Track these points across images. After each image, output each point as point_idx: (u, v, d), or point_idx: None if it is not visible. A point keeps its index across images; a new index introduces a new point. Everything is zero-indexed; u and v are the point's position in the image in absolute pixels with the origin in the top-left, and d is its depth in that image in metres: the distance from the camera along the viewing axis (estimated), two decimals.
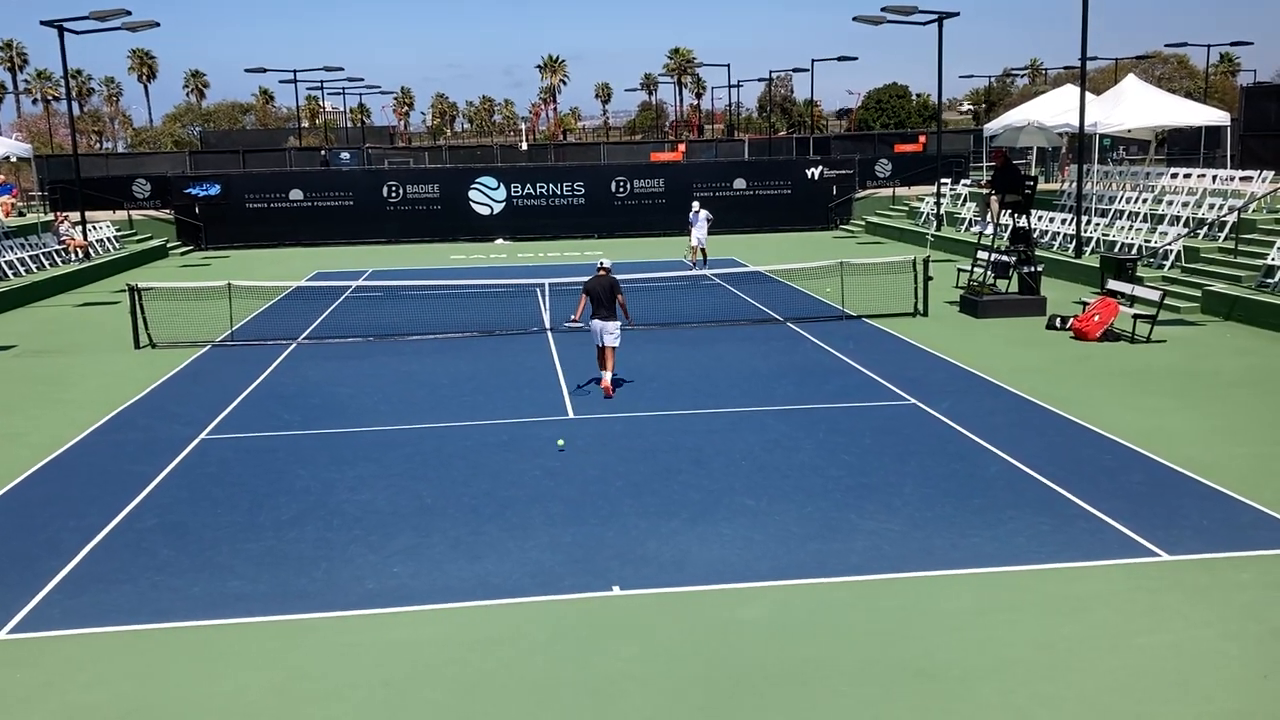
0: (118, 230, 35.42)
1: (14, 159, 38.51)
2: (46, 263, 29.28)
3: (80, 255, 30.70)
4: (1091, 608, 8.00)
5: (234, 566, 9.11)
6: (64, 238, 31.05)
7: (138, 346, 19.10)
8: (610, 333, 14.59)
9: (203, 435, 13.31)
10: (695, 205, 29.69)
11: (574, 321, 15.53)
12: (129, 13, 27.79)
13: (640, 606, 8.23)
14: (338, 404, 14.78)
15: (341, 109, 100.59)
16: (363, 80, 71.53)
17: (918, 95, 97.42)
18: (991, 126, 35.92)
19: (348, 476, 11.49)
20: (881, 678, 7.08)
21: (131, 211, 39.03)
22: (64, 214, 33.22)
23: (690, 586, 8.52)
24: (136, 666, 7.46)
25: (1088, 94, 26.24)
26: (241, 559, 9.27)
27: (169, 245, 37.28)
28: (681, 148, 53.65)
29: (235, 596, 8.53)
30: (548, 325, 20.21)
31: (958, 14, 32.15)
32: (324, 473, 11.65)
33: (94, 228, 32.90)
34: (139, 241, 36.22)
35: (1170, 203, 26.45)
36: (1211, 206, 24.89)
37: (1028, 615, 7.92)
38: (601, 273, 14.87)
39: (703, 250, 28.79)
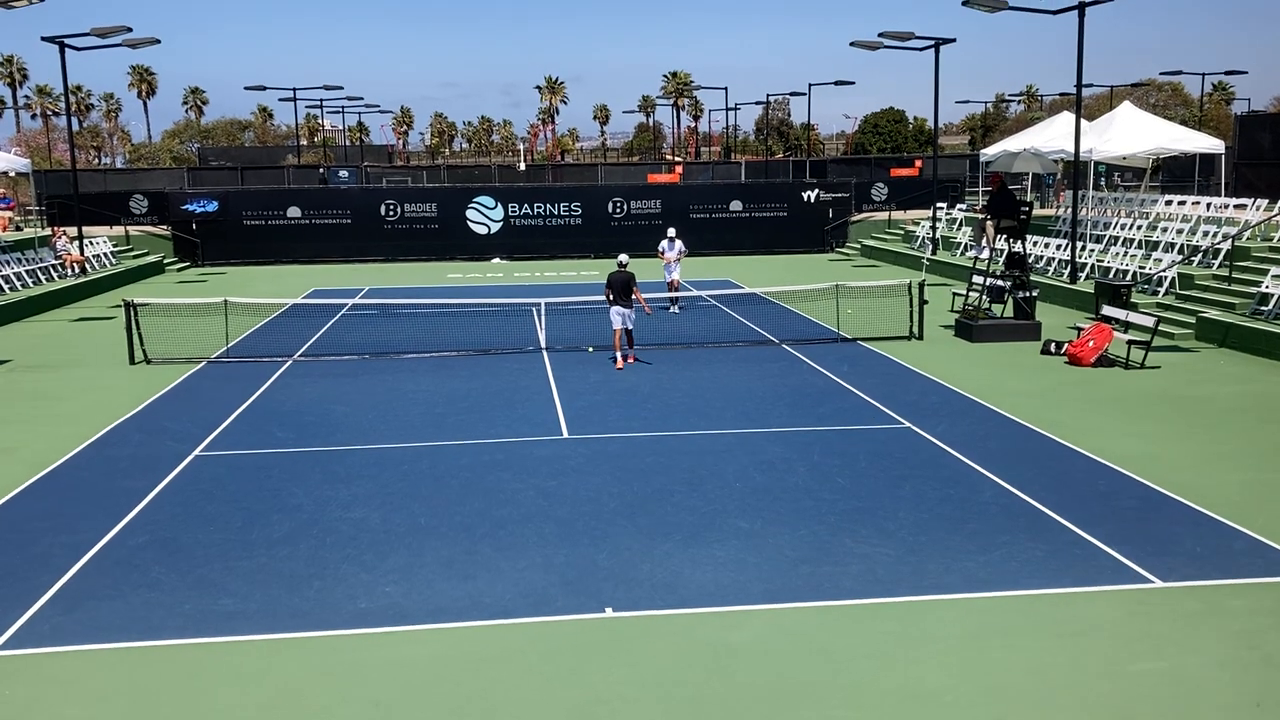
0: (115, 246, 35.47)
1: (13, 174, 38.62)
2: (43, 278, 29.30)
3: (77, 270, 30.74)
4: (1084, 634, 7.99)
5: (226, 584, 9.09)
6: (61, 253, 31.08)
7: (133, 362, 19.10)
8: (627, 316, 18.16)
9: (197, 452, 13.29)
10: (671, 232, 25.28)
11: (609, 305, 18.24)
12: (130, 29, 27.91)
13: (632, 628, 8.21)
14: (332, 422, 14.77)
15: (340, 127, 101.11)
16: (362, 99, 71.80)
17: (914, 119, 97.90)
18: (989, 152, 36.13)
19: (341, 494, 11.48)
20: (873, 702, 7.06)
21: (129, 227, 39.15)
22: (61, 229, 33.26)
23: (683, 609, 8.51)
24: (127, 683, 7.43)
25: (1083, 121, 26.43)
26: (234, 576, 9.25)
27: (166, 261, 37.33)
28: (678, 169, 53.88)
29: (227, 614, 8.50)
30: (543, 345, 20.22)
31: (954, 40, 32.53)
32: (318, 490, 11.64)
33: (91, 243, 32.95)
34: (135, 257, 36.26)
35: (1165, 229, 26.62)
36: (1206, 234, 25.02)
37: (1020, 641, 7.91)
38: (619, 268, 18.32)
39: (672, 283, 25.12)
